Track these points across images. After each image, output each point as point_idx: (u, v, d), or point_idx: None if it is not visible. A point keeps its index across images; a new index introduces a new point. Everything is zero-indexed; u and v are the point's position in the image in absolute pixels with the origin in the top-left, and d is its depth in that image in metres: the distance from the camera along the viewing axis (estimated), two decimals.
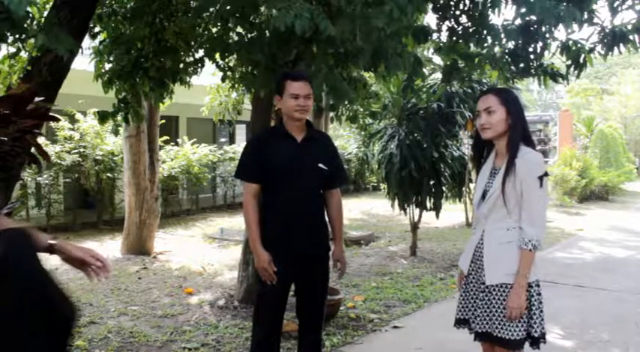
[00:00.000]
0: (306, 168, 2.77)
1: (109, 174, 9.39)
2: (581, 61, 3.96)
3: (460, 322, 2.58)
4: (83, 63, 5.23)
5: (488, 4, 3.86)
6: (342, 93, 3.94)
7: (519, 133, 2.38)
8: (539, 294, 2.40)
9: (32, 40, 3.14)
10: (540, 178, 2.31)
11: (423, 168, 6.29)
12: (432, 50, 5.26)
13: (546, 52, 4.11)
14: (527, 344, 2.41)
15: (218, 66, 4.79)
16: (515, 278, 2.32)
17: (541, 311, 2.39)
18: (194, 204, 11.45)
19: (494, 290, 2.38)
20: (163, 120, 11.23)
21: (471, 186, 7.21)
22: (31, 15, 3.02)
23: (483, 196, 2.45)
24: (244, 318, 4.26)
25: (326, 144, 2.95)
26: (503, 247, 2.37)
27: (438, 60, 6.12)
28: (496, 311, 2.37)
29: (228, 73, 4.94)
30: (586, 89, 29.78)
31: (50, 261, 4.95)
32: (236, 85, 5.41)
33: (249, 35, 3.97)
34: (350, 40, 3.24)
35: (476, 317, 2.44)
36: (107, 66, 4.86)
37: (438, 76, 6.36)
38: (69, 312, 1.14)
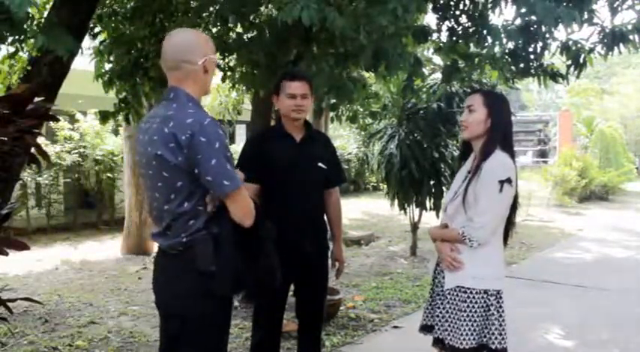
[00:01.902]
0: (305, 168, 2.76)
1: (109, 174, 9.40)
2: (581, 61, 3.96)
3: (424, 328, 2.50)
4: (83, 63, 5.22)
5: (489, 4, 3.86)
6: (345, 93, 3.92)
7: (497, 138, 2.28)
8: (500, 306, 2.27)
9: (32, 41, 3.14)
10: (501, 183, 2.19)
11: (423, 168, 6.29)
12: (432, 50, 5.26)
13: (546, 52, 4.11)
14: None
15: (218, 66, 4.78)
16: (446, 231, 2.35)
17: (500, 324, 2.25)
18: None
19: (449, 294, 2.30)
20: None
21: None
22: (31, 15, 3.01)
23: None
24: (244, 318, 4.26)
25: (324, 143, 2.95)
26: (466, 251, 2.28)
27: (438, 60, 6.11)
28: (449, 317, 2.29)
29: (228, 73, 4.93)
30: (586, 89, 29.76)
31: (53, 262, 4.91)
32: (236, 85, 5.41)
33: (249, 35, 3.97)
34: (351, 38, 3.24)
35: (436, 322, 2.37)
36: (107, 66, 4.86)
37: (438, 76, 6.35)
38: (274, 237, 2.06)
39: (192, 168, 1.80)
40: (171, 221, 1.90)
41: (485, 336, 2.25)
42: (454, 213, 2.34)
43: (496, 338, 2.24)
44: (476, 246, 2.24)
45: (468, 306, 2.25)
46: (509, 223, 2.38)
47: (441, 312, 2.35)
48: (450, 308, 2.29)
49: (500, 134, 2.30)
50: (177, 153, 1.80)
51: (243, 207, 1.87)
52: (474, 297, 2.24)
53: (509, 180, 2.21)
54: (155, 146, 1.85)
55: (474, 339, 2.23)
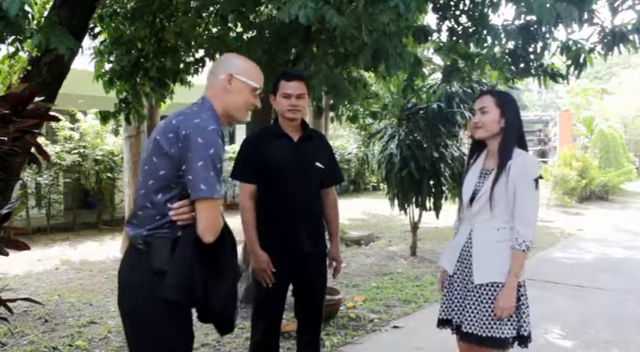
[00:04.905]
0: (303, 168, 2.76)
1: (109, 174, 9.40)
2: (581, 61, 3.95)
3: (443, 322, 2.56)
4: (83, 63, 5.23)
5: (488, 4, 3.86)
6: (341, 93, 3.93)
7: (513, 136, 2.40)
8: (524, 294, 2.42)
9: (31, 40, 3.14)
10: (535, 180, 2.34)
11: (423, 168, 6.28)
12: (432, 50, 5.25)
13: (546, 52, 4.11)
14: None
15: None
16: (507, 278, 2.33)
17: (526, 311, 2.41)
18: None
19: (484, 289, 2.37)
20: None
21: None
22: (30, 15, 3.01)
23: (473, 197, 2.45)
24: (244, 318, 4.25)
25: (321, 142, 2.95)
26: (493, 247, 2.38)
27: (438, 60, 6.11)
28: (486, 311, 2.36)
29: None
30: (586, 89, 29.76)
31: (53, 262, 4.90)
32: None
33: (248, 34, 3.97)
34: (351, 37, 3.23)
35: (464, 317, 2.42)
36: (107, 66, 4.86)
37: (438, 76, 6.35)
38: (235, 241, 2.07)
39: (182, 163, 1.83)
40: (139, 209, 1.94)
41: (520, 325, 2.38)
42: (479, 211, 2.43)
43: (527, 324, 2.39)
44: (531, 248, 2.35)
45: None
46: None
47: (471, 307, 2.41)
48: (486, 302, 2.37)
49: (516, 132, 2.42)
50: (173, 144, 1.85)
51: (209, 219, 1.84)
52: None
53: (540, 177, 2.39)
54: (158, 131, 1.93)
55: (514, 329, 2.36)
